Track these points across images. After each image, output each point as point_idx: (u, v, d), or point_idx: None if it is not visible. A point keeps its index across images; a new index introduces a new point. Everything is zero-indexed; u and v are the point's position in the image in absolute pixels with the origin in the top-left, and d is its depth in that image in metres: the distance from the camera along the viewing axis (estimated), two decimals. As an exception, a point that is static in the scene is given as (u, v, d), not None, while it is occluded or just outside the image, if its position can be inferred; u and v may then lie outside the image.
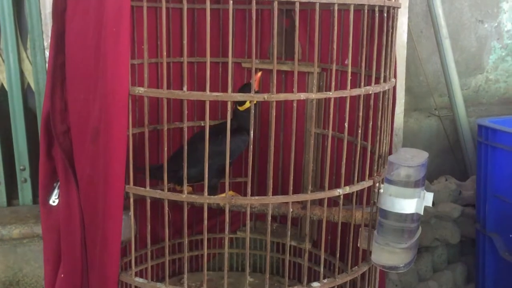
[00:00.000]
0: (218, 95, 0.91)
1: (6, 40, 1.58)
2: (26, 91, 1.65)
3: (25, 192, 1.67)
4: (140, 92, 0.95)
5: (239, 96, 0.91)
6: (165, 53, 0.94)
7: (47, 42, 1.53)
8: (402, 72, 1.76)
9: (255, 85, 0.94)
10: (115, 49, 0.92)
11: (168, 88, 1.32)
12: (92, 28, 0.96)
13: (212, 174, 1.05)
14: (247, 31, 1.46)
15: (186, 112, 0.94)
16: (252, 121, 0.92)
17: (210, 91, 0.91)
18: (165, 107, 0.95)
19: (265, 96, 0.91)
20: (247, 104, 1.17)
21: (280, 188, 1.48)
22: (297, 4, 0.90)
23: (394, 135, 1.75)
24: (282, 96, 0.93)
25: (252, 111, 0.92)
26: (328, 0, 0.92)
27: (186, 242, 1.02)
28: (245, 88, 1.17)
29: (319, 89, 1.36)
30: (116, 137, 0.97)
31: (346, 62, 1.29)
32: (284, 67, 1.40)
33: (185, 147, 0.95)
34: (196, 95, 0.92)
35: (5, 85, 1.61)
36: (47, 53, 1.54)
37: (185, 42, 0.90)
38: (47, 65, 1.56)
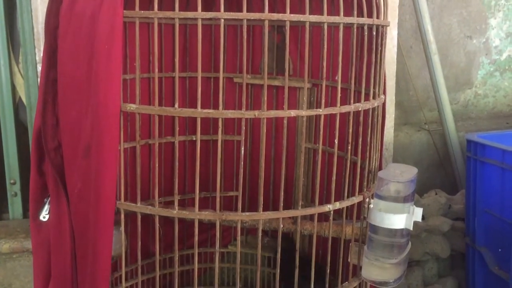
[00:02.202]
0: (209, 112, 0.92)
1: (-2, 54, 1.59)
2: (18, 105, 1.65)
3: (15, 206, 1.67)
4: (131, 108, 0.95)
5: (230, 113, 0.92)
6: (156, 70, 0.94)
7: (39, 56, 1.53)
8: (392, 86, 1.78)
9: None
10: (107, 67, 0.93)
11: (160, 103, 1.33)
12: (84, 45, 0.97)
13: None
14: (239, 46, 1.47)
15: (177, 128, 0.94)
16: (243, 138, 0.93)
17: (202, 106, 0.92)
18: (157, 123, 0.96)
19: (255, 113, 0.91)
20: None
21: (271, 202, 1.49)
22: (287, 23, 0.92)
23: (385, 149, 1.77)
24: (273, 113, 0.94)
25: (243, 127, 0.93)
26: (317, 19, 0.93)
27: (177, 257, 1.02)
28: None
29: (310, 105, 1.38)
30: (108, 153, 0.97)
31: (336, 78, 1.31)
32: (276, 82, 1.42)
33: (176, 164, 0.95)
34: (187, 112, 0.93)
35: (-3, 99, 1.62)
36: (39, 67, 1.54)
37: (176, 60, 0.91)
38: (39, 80, 1.56)
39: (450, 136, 1.94)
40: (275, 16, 0.91)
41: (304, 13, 0.93)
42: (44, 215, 1.10)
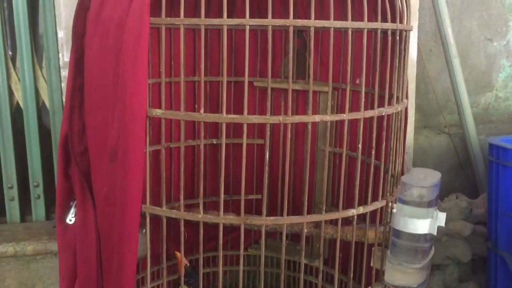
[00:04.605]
0: (234, 117, 0.93)
1: (22, 59, 1.62)
2: (41, 109, 1.68)
3: (38, 208, 1.69)
4: (157, 114, 0.97)
5: (255, 119, 0.93)
6: (182, 76, 0.95)
7: (62, 61, 1.56)
8: (412, 90, 1.77)
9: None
10: (133, 73, 0.94)
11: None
12: (111, 51, 0.99)
13: None
14: (259, 50, 1.48)
15: (202, 133, 0.95)
16: (268, 142, 0.94)
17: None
18: (182, 128, 0.97)
19: (280, 119, 0.92)
20: None
21: (291, 205, 1.49)
22: (312, 28, 0.92)
23: (405, 153, 1.76)
24: (297, 119, 0.94)
25: (268, 132, 0.94)
26: (342, 25, 0.93)
27: (201, 260, 1.03)
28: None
29: (331, 108, 1.38)
30: (134, 157, 0.98)
31: (357, 82, 1.31)
32: (296, 86, 1.42)
33: (201, 168, 0.96)
34: (213, 118, 0.94)
35: (21, 103, 1.64)
36: (62, 72, 1.57)
37: (202, 66, 0.92)
38: (62, 84, 1.59)
39: (470, 140, 1.92)
40: (300, 22, 0.92)
41: (324, 17, 0.93)
42: (70, 218, 1.12)
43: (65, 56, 1.53)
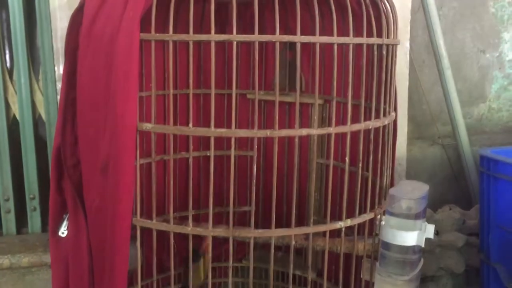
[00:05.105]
0: (222, 131, 0.95)
1: (19, 72, 1.64)
2: (37, 122, 1.70)
3: (34, 220, 1.70)
4: (147, 128, 0.98)
5: (242, 133, 0.95)
6: (171, 90, 0.97)
7: (58, 74, 1.58)
8: (405, 101, 1.79)
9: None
10: (124, 87, 0.96)
11: (175, 119, 1.36)
12: (103, 66, 1.01)
13: None
14: (252, 63, 1.50)
15: (191, 146, 0.97)
16: (255, 155, 0.95)
17: (216, 121, 0.95)
18: (172, 141, 0.98)
19: (267, 133, 0.94)
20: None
21: (284, 217, 1.50)
22: (298, 44, 0.94)
23: (398, 164, 1.77)
24: (284, 133, 0.96)
25: (255, 145, 0.96)
26: (327, 40, 0.95)
27: (191, 273, 1.04)
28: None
29: (323, 120, 1.39)
30: (125, 170, 1.00)
31: (347, 95, 1.33)
32: (288, 99, 1.44)
33: (190, 181, 0.97)
34: (201, 131, 0.96)
35: (17, 116, 1.66)
36: (58, 85, 1.59)
37: (191, 80, 0.94)
38: (57, 96, 1.61)
39: (464, 151, 1.94)
40: (286, 37, 0.94)
41: (314, 29, 0.95)
42: (63, 231, 1.13)
43: (61, 69, 1.55)
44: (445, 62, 1.89)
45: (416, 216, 1.06)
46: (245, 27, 1.40)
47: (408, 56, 1.76)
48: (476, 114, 2.10)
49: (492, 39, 2.07)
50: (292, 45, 1.47)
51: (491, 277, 1.64)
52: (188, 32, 0.92)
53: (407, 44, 1.77)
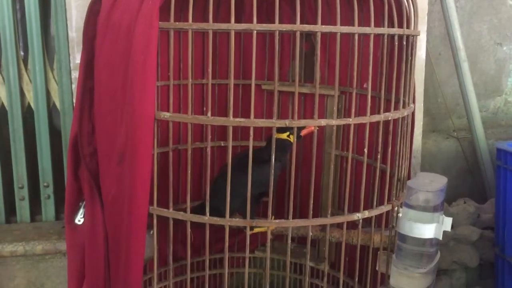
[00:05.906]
0: (241, 121, 0.94)
1: (34, 61, 1.64)
2: (52, 110, 1.70)
3: (48, 208, 1.71)
4: (165, 117, 0.98)
5: (261, 122, 0.94)
6: (190, 80, 0.97)
7: (73, 63, 1.58)
8: (421, 93, 1.77)
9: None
10: (142, 76, 0.95)
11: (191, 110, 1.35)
12: (120, 55, 1.00)
13: (253, 203, 1.03)
14: (267, 53, 1.49)
15: (209, 136, 0.97)
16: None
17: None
18: (190, 131, 0.98)
19: (286, 122, 0.93)
20: (284, 136, 1.16)
21: (298, 208, 1.50)
22: (319, 34, 0.93)
23: (413, 157, 1.76)
24: (303, 122, 0.95)
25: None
26: (348, 30, 0.94)
27: (208, 262, 1.04)
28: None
29: (338, 112, 1.38)
30: (142, 159, 0.99)
31: (365, 86, 1.32)
32: (304, 90, 1.43)
33: (208, 170, 0.97)
34: (220, 121, 0.95)
35: (32, 104, 1.67)
36: (73, 73, 1.59)
37: (210, 70, 0.93)
38: (72, 85, 1.61)
39: (479, 144, 1.92)
40: (307, 27, 0.93)
41: (333, 20, 0.94)
42: (79, 219, 1.14)
43: (76, 58, 1.55)
44: (462, 54, 1.86)
45: (434, 209, 1.05)
46: (262, 18, 1.39)
47: (424, 48, 1.74)
48: (492, 107, 2.08)
49: (509, 32, 2.04)
50: (309, 36, 1.46)
51: (506, 271, 1.62)
52: (203, 21, 0.91)
53: (424, 36, 1.74)
